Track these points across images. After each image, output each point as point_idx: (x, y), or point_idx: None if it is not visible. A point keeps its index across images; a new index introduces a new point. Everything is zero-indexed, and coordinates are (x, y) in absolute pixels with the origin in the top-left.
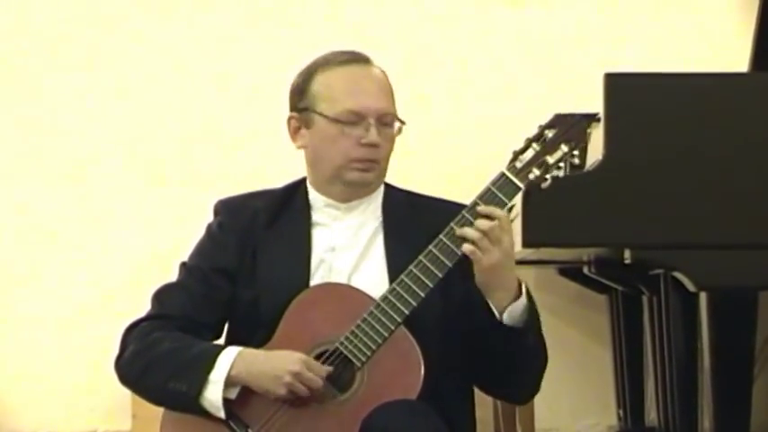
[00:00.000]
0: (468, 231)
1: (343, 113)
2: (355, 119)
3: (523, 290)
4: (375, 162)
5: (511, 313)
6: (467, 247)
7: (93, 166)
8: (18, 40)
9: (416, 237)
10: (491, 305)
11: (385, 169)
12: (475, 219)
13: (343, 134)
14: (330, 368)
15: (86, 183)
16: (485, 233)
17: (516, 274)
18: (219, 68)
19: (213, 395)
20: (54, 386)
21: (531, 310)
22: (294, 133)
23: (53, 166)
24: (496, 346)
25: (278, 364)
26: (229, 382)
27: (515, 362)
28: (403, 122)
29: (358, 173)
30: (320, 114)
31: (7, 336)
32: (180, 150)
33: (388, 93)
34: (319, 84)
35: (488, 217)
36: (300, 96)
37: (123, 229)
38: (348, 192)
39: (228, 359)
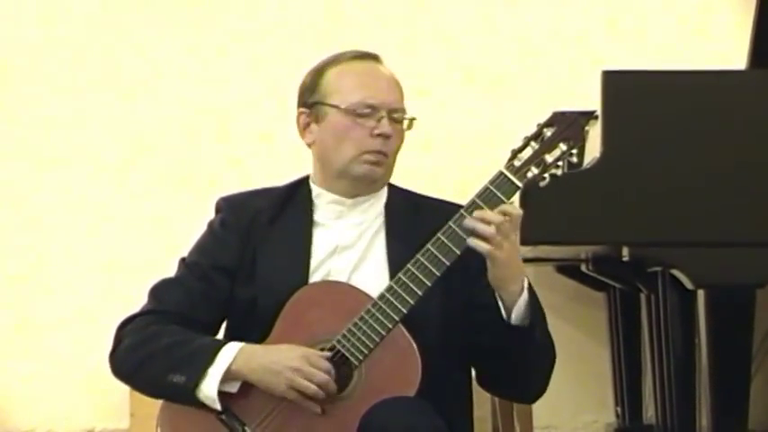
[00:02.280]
0: (481, 226)
1: (357, 104)
2: (368, 111)
3: (525, 285)
4: (385, 155)
5: (517, 311)
6: (480, 244)
7: (94, 165)
8: (18, 40)
9: (418, 237)
10: (500, 303)
11: (392, 167)
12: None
13: (356, 125)
14: (329, 362)
15: (87, 181)
16: (497, 228)
17: (523, 266)
18: (222, 67)
19: (209, 388)
20: (52, 385)
21: (534, 307)
22: (304, 129)
23: (54, 164)
24: (505, 346)
25: (278, 359)
26: (229, 377)
27: (524, 360)
28: (413, 118)
29: (368, 166)
30: (332, 106)
31: (6, 335)
32: (183, 150)
33: (399, 89)
34: (331, 78)
35: (501, 213)
36: (311, 92)
37: (123, 229)
38: (355, 187)
39: (230, 354)
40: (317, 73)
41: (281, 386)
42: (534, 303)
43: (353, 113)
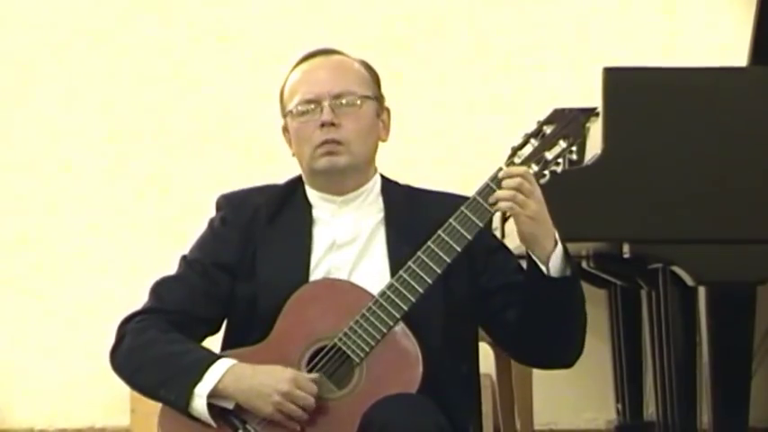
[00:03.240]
0: (501, 193)
1: (298, 103)
2: (310, 106)
3: (557, 238)
4: (338, 143)
5: (554, 264)
6: (504, 204)
7: (95, 165)
8: (19, 41)
9: (418, 231)
10: (537, 260)
11: (359, 153)
12: (489, 195)
13: (304, 124)
14: (317, 384)
15: (87, 180)
16: (517, 189)
17: (551, 224)
18: (220, 64)
19: (200, 407)
20: (52, 381)
21: (569, 257)
22: (287, 142)
23: (54, 164)
24: (549, 300)
25: (267, 382)
26: (215, 395)
27: (570, 312)
28: (366, 96)
29: (325, 158)
30: (288, 113)
31: (6, 331)
32: (184, 150)
33: (347, 74)
34: (286, 88)
35: (510, 176)
36: (280, 104)
37: (124, 227)
38: (330, 182)
39: (218, 373)
40: (284, 84)
41: (268, 408)
42: (569, 256)
43: (299, 113)
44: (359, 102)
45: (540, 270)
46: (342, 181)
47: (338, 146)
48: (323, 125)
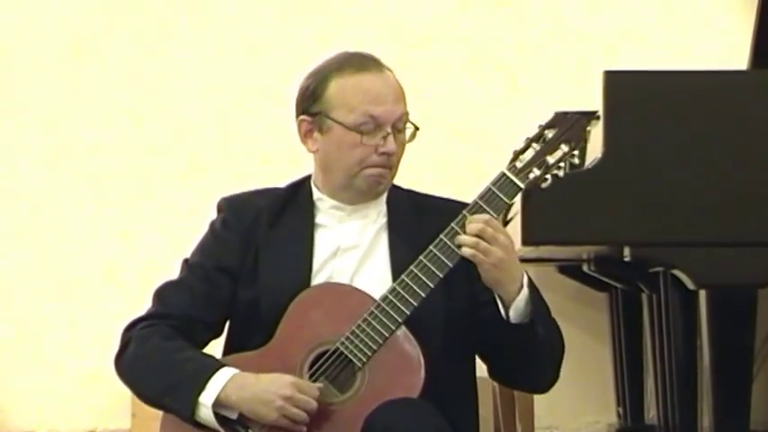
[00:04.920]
0: (464, 238)
1: (361, 122)
2: (373, 128)
3: (524, 281)
4: (389, 169)
5: (516, 309)
6: (466, 251)
7: (97, 165)
8: (18, 40)
9: (421, 236)
10: (499, 303)
11: (395, 174)
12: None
13: (361, 143)
14: (319, 388)
15: (90, 181)
16: (479, 236)
17: (519, 265)
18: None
19: (206, 416)
20: (54, 385)
21: (535, 301)
22: (305, 136)
23: (58, 162)
24: (508, 344)
25: (269, 389)
26: (219, 404)
27: (528, 356)
28: (417, 127)
29: (373, 180)
30: (336, 122)
31: (7, 334)
32: (186, 150)
33: (402, 97)
34: (334, 90)
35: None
36: (313, 100)
37: (125, 228)
38: (359, 198)
39: (220, 383)
40: (320, 81)
41: (272, 414)
42: (535, 299)
43: (359, 131)
44: (409, 129)
45: (500, 313)
46: (369, 199)
47: (389, 171)
48: (382, 153)
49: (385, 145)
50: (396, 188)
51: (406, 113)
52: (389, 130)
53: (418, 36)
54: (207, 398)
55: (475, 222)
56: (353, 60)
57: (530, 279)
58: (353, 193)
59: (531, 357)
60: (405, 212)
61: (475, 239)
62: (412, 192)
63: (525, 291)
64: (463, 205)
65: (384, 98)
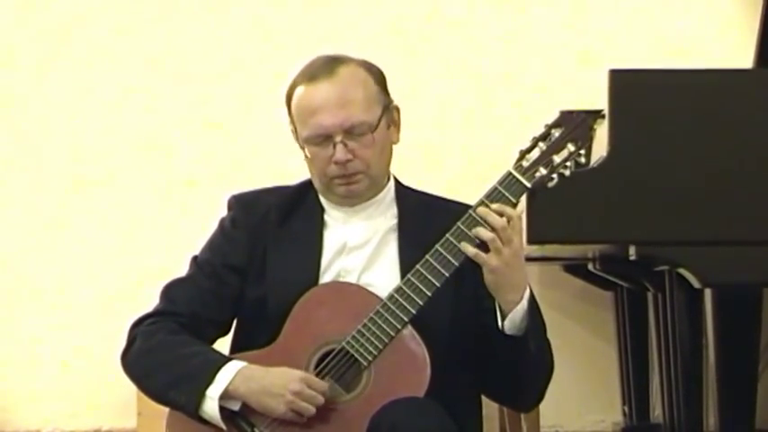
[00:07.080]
0: (481, 231)
1: (309, 138)
2: (322, 140)
3: (526, 295)
4: (354, 175)
5: (512, 321)
6: (470, 250)
7: (99, 165)
8: (18, 41)
9: (430, 238)
10: (497, 311)
11: (378, 174)
12: (483, 218)
13: (317, 156)
14: (327, 384)
15: (93, 182)
16: (497, 233)
17: (526, 275)
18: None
19: (210, 409)
20: (59, 384)
21: (533, 318)
22: (299, 146)
23: (61, 165)
24: (499, 354)
25: (278, 382)
26: (227, 397)
27: (516, 370)
28: (382, 110)
29: (343, 187)
30: (299, 136)
31: (12, 333)
32: (190, 151)
33: (355, 102)
34: (293, 106)
35: (499, 214)
36: (288, 112)
37: (128, 229)
38: (348, 201)
39: (228, 375)
40: (288, 97)
41: (280, 408)
42: (533, 315)
43: (313, 143)
44: (371, 129)
45: (496, 321)
46: (357, 200)
47: (355, 176)
48: (336, 162)
49: (335, 154)
50: (406, 189)
51: (361, 121)
52: (338, 138)
53: (418, 36)
54: (214, 391)
55: (499, 219)
56: (307, 71)
57: (532, 295)
58: (337, 198)
59: (518, 372)
60: (414, 213)
61: (492, 235)
62: (422, 193)
63: (524, 304)
64: (470, 208)
65: (325, 107)
